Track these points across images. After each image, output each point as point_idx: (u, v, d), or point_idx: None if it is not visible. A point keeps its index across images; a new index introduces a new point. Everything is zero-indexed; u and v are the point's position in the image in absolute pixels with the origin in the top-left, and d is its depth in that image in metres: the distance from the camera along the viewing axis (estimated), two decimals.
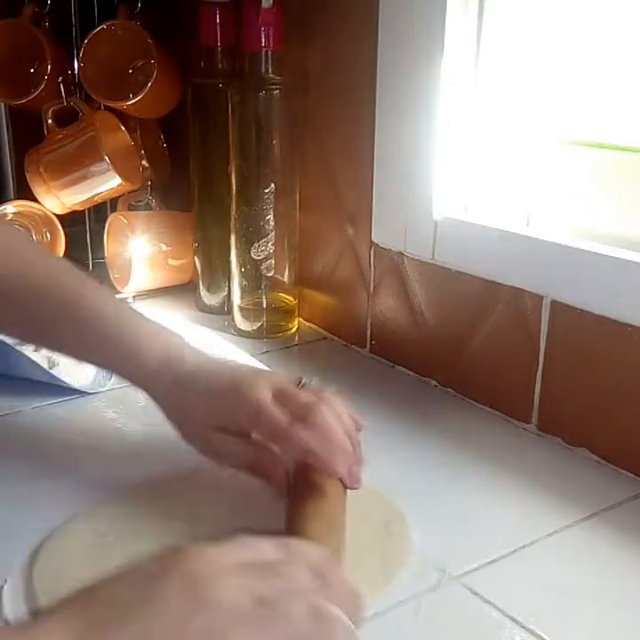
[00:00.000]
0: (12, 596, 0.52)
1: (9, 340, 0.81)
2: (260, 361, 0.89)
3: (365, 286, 0.91)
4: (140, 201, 1.11)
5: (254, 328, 0.96)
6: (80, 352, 0.69)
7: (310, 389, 0.63)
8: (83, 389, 0.79)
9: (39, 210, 1.07)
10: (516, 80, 0.76)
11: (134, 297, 1.06)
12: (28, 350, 0.81)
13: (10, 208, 1.07)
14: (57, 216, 1.08)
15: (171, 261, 1.07)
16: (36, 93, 1.02)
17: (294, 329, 0.98)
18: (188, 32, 0.99)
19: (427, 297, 0.84)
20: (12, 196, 1.12)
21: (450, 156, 0.79)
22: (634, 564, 0.57)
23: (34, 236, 1.08)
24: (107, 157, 1.01)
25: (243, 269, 0.95)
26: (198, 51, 0.97)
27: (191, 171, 1.01)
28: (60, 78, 1.03)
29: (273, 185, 0.91)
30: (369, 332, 0.91)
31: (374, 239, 0.88)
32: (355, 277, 0.92)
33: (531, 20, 0.74)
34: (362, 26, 0.83)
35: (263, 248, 0.93)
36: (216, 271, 1.03)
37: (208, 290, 1.04)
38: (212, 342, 0.92)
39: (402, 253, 0.85)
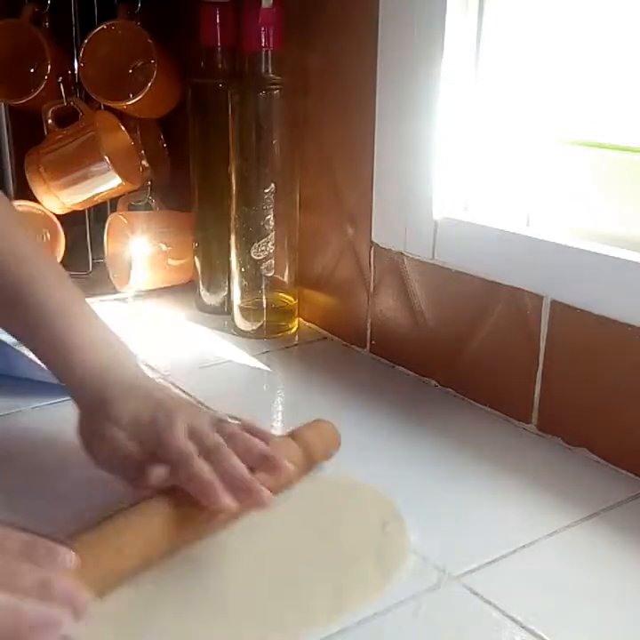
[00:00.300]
0: None
1: (9, 340, 0.81)
2: (260, 361, 0.90)
3: (365, 286, 0.91)
4: (140, 201, 1.11)
5: (254, 328, 0.96)
6: (19, 336, 0.68)
7: (223, 428, 0.59)
8: None
9: (39, 210, 1.07)
10: (516, 80, 0.76)
11: (134, 297, 1.06)
12: (28, 350, 0.81)
13: None
14: (57, 216, 1.08)
15: (171, 261, 1.07)
16: (36, 93, 1.02)
17: (294, 329, 0.98)
18: (188, 32, 1.00)
19: (427, 297, 0.84)
20: (12, 196, 1.12)
21: (450, 156, 0.79)
22: (634, 564, 0.57)
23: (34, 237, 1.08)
24: (107, 157, 1.01)
25: (243, 269, 0.95)
26: (198, 51, 0.97)
27: (191, 171, 1.01)
28: (60, 78, 1.03)
29: (273, 185, 0.91)
30: (369, 331, 0.91)
31: (374, 239, 0.88)
32: (355, 277, 0.92)
33: (531, 20, 0.74)
34: (362, 26, 0.83)
35: (263, 248, 0.93)
36: (216, 271, 1.03)
37: (208, 290, 1.04)
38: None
39: (402, 253, 0.85)
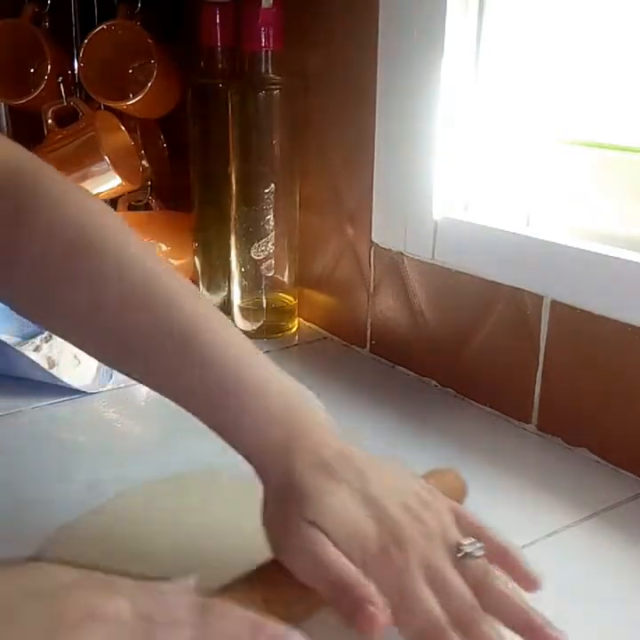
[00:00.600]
0: None
1: (9, 340, 0.81)
2: None
3: (365, 286, 0.91)
4: (139, 201, 1.11)
5: (254, 328, 0.96)
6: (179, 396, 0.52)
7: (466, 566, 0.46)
8: (83, 389, 0.79)
9: None
10: (516, 80, 0.76)
11: None
12: (28, 350, 0.81)
13: None
14: None
15: (171, 261, 1.07)
16: (36, 93, 1.02)
17: (294, 329, 0.98)
18: (188, 32, 1.00)
19: (427, 297, 0.84)
20: None
21: (450, 155, 0.79)
22: (634, 564, 0.57)
23: None
24: (107, 157, 1.01)
25: (243, 269, 0.95)
26: (198, 51, 0.97)
27: (191, 171, 1.01)
28: (60, 78, 1.03)
29: (273, 185, 0.91)
30: (369, 332, 0.91)
31: (374, 239, 0.88)
32: (355, 277, 0.92)
33: (531, 21, 0.74)
34: (362, 26, 0.83)
35: (263, 248, 0.93)
36: (216, 271, 1.03)
37: (208, 290, 1.04)
38: None
39: (402, 253, 0.85)
